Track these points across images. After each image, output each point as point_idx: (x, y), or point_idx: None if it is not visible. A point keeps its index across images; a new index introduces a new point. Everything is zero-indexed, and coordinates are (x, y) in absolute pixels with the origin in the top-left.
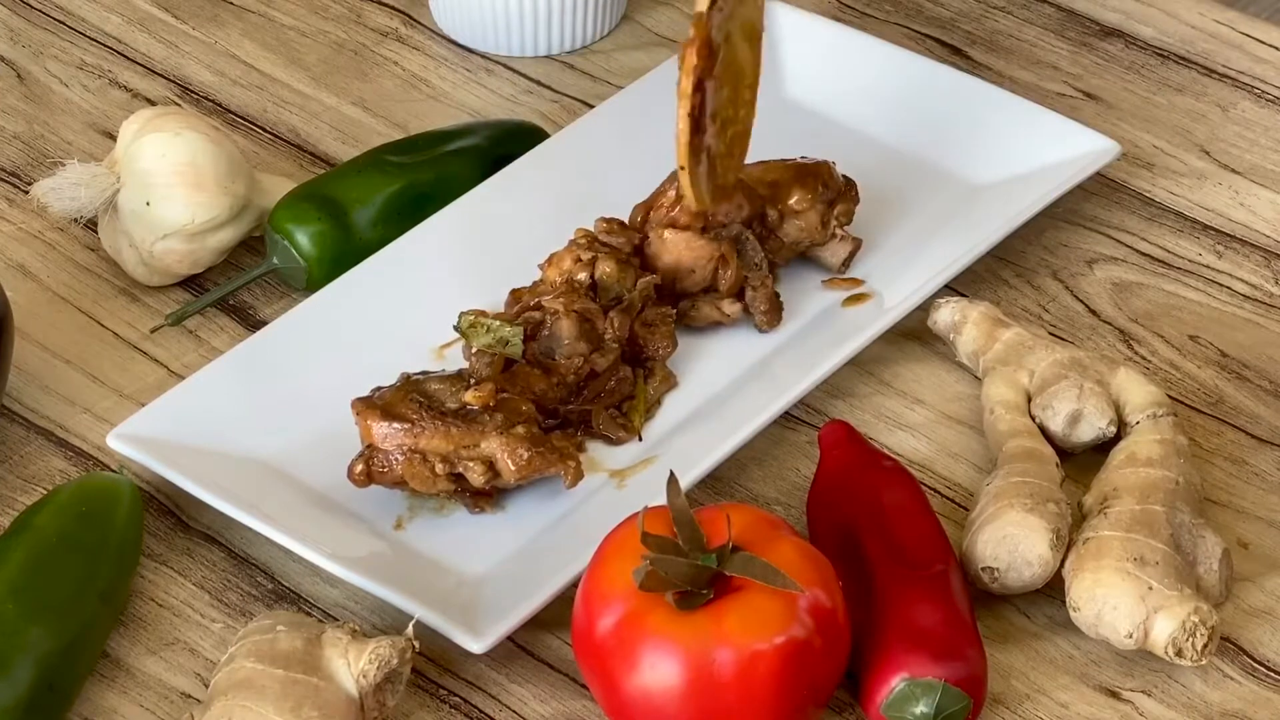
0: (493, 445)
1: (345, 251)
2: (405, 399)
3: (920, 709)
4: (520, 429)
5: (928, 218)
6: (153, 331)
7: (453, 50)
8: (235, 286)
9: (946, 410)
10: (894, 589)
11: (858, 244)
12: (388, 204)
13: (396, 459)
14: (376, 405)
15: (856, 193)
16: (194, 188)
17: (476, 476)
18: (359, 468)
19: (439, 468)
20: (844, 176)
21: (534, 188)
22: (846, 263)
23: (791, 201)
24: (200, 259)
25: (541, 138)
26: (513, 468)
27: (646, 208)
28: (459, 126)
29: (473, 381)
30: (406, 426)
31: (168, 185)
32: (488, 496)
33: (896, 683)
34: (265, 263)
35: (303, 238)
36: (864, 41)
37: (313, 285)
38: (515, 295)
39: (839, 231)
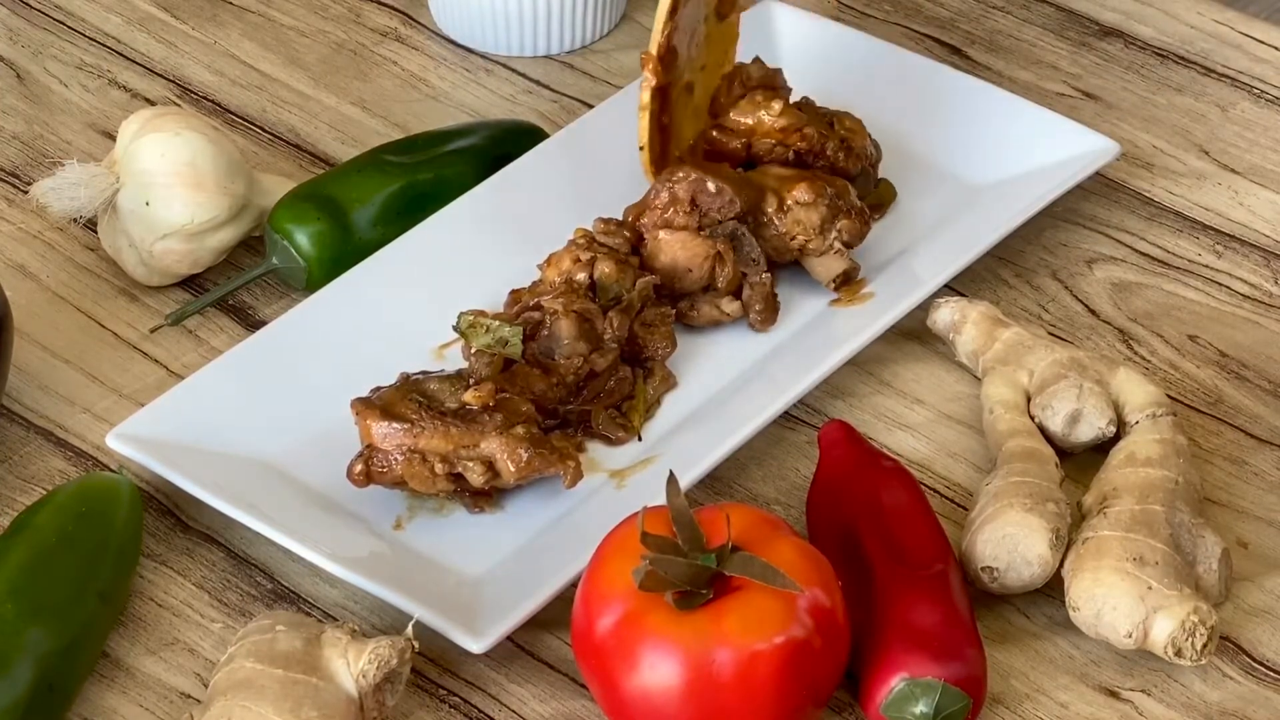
0: (492, 445)
1: (345, 252)
2: (404, 399)
3: (920, 709)
4: (520, 429)
5: (927, 217)
6: (152, 331)
7: (452, 50)
8: (235, 286)
9: (946, 410)
10: (893, 589)
11: (854, 267)
12: (388, 204)
13: (396, 459)
14: (376, 405)
15: (867, 221)
16: (193, 188)
17: (476, 477)
18: (358, 468)
19: (439, 468)
20: (862, 205)
21: (533, 188)
22: (837, 282)
23: (796, 192)
24: (200, 259)
25: (541, 138)
26: (512, 468)
27: (639, 209)
28: (458, 127)
29: (472, 381)
30: (406, 426)
31: (167, 185)
32: (487, 496)
33: (896, 683)
34: (265, 262)
35: (302, 238)
36: (863, 41)
37: (312, 285)
38: (515, 296)
39: (838, 245)
